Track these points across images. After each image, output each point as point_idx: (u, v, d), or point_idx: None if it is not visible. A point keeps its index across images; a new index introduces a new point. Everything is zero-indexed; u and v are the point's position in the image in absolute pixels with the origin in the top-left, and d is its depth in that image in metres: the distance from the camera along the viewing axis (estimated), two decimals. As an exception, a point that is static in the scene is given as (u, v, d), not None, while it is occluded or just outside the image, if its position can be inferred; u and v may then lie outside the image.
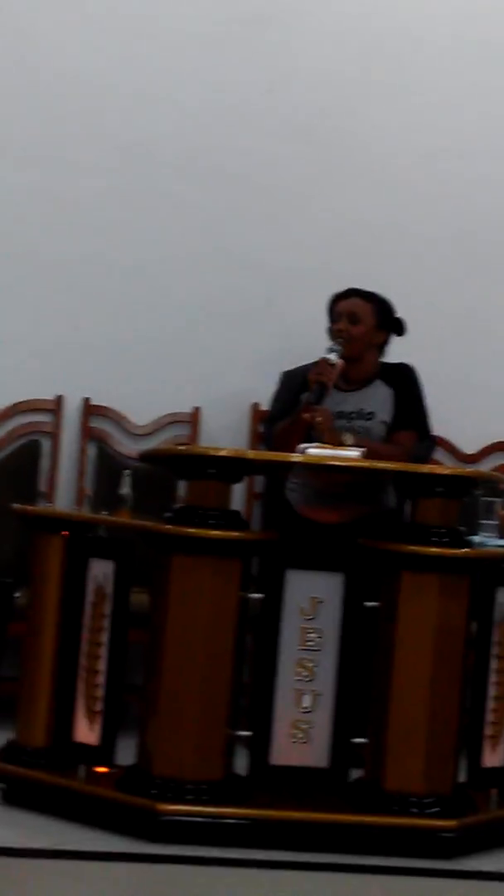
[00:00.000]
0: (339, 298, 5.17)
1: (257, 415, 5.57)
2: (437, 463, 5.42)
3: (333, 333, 4.65)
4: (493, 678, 4.15)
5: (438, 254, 5.79)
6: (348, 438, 4.40)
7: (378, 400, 4.70)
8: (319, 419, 4.44)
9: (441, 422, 5.15)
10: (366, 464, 4.17)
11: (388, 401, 4.70)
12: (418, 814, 3.90)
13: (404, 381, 4.74)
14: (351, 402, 4.59)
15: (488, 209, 5.80)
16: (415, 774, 3.93)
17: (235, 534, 3.95)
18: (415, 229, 5.77)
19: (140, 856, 3.69)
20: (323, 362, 4.51)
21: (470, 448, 5.73)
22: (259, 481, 5.44)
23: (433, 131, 5.80)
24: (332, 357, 4.52)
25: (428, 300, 5.65)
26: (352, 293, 4.93)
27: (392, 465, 4.30)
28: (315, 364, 4.58)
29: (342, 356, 4.56)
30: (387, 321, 4.74)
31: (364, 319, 4.69)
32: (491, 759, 4.15)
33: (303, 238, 5.71)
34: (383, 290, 4.94)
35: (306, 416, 4.46)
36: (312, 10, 5.76)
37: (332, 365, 4.50)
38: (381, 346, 4.78)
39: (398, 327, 4.81)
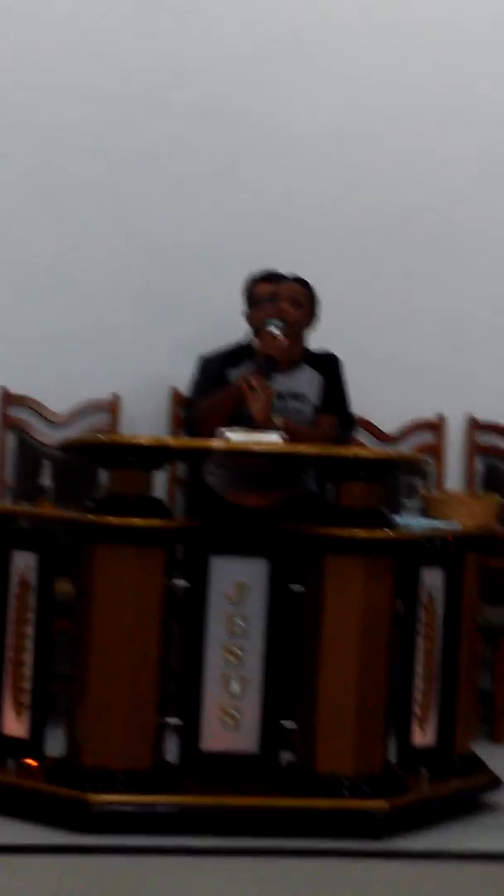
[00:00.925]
0: (259, 281, 5.17)
1: (177, 399, 5.55)
2: (359, 444, 5.44)
3: (275, 313, 4.63)
4: (419, 657, 4.18)
5: (356, 235, 5.80)
6: (278, 420, 4.40)
7: (308, 383, 4.72)
8: (257, 389, 4.42)
9: (362, 402, 5.17)
10: (288, 448, 4.17)
11: (317, 385, 4.72)
12: (349, 795, 3.92)
13: (332, 368, 4.78)
14: (282, 382, 4.59)
15: (406, 190, 5.82)
16: (345, 756, 3.95)
17: (158, 522, 3.93)
18: (333, 211, 5.78)
19: (72, 847, 3.67)
20: (269, 335, 4.50)
21: (391, 428, 5.75)
22: (182, 466, 5.43)
23: (346, 112, 5.80)
24: (276, 331, 4.51)
25: (346, 281, 5.65)
26: (276, 277, 4.93)
27: (314, 450, 4.31)
28: (249, 348, 4.59)
29: (285, 335, 4.56)
30: (316, 308, 4.76)
31: (303, 304, 4.71)
32: (420, 738, 4.17)
33: (218, 221, 5.69)
34: (304, 273, 4.93)
35: (244, 384, 4.44)
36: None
37: (278, 339, 4.50)
38: (307, 333, 4.80)
39: (317, 317, 4.83)
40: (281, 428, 4.32)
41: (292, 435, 4.25)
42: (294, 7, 5.76)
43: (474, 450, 5.83)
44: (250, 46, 5.72)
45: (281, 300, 4.67)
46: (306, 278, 4.83)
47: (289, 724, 4.02)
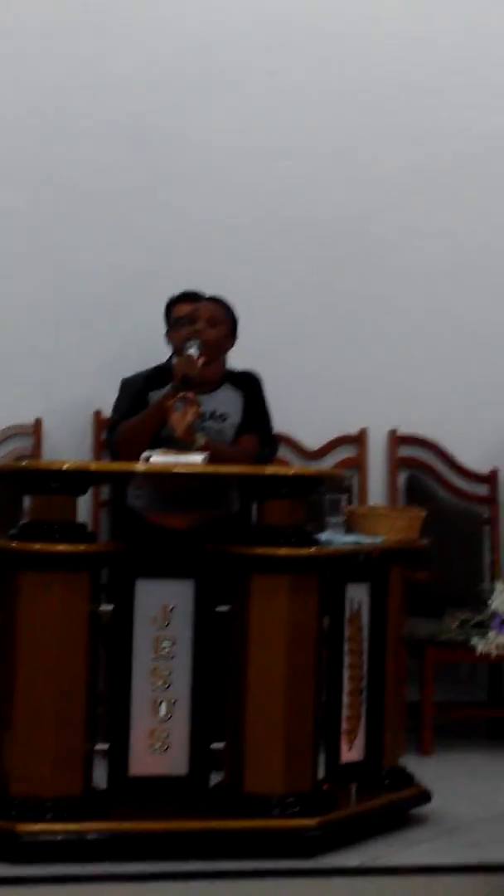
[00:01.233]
0: (178, 301, 5.17)
1: (100, 423, 5.54)
2: (282, 461, 5.45)
3: (192, 334, 4.64)
4: (346, 673, 4.19)
5: (277, 251, 5.83)
6: (200, 439, 4.40)
7: (229, 403, 4.72)
8: (182, 406, 4.42)
9: (284, 419, 5.19)
10: (210, 469, 4.17)
11: (238, 404, 4.72)
12: (279, 814, 3.92)
13: (251, 386, 4.77)
14: (205, 404, 4.60)
15: (325, 205, 5.85)
16: (274, 775, 3.94)
17: (82, 547, 3.91)
18: (253, 228, 5.80)
19: (2, 879, 3.64)
20: (186, 356, 4.51)
21: (314, 444, 5.77)
22: (106, 489, 5.41)
23: (267, 130, 5.83)
24: (193, 352, 4.52)
25: (269, 298, 5.68)
26: (194, 297, 4.94)
27: (237, 469, 4.31)
28: (167, 365, 4.59)
29: (202, 356, 4.56)
30: (235, 328, 4.77)
31: (221, 323, 4.70)
32: (349, 754, 4.19)
33: (139, 242, 5.69)
34: (226, 291, 4.94)
35: (168, 403, 4.44)
36: (134, 11, 5.73)
37: (195, 359, 4.50)
38: (227, 352, 4.80)
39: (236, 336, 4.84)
40: (203, 447, 4.32)
41: (215, 454, 4.26)
42: (207, 26, 5.78)
43: (397, 463, 5.87)
44: (164, 66, 5.74)
45: (198, 320, 4.67)
46: (224, 297, 4.83)
47: (218, 744, 4.02)
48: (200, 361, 4.49)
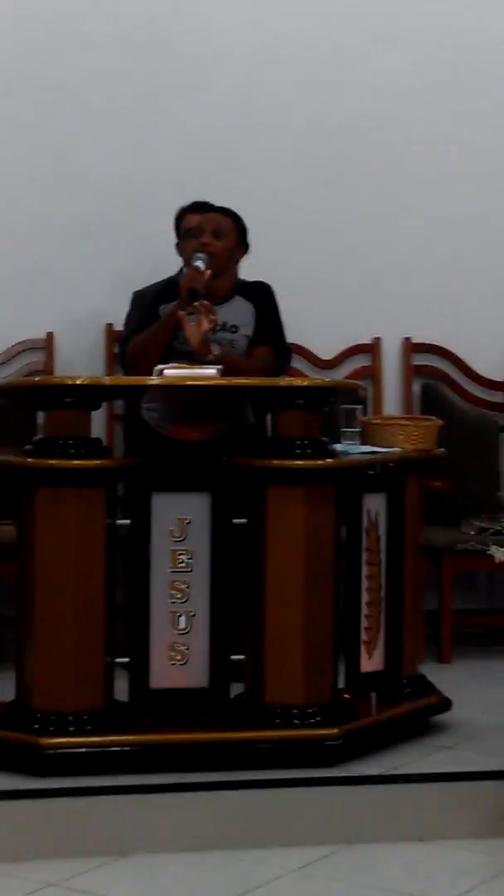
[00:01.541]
0: (188, 211, 5.11)
1: (112, 336, 5.50)
2: (295, 372, 5.42)
3: (198, 246, 4.59)
4: (365, 583, 4.19)
5: (287, 159, 5.73)
6: (215, 348, 4.37)
7: (240, 314, 4.68)
8: (191, 325, 4.39)
9: (297, 329, 5.14)
10: (224, 381, 4.14)
11: (249, 315, 4.68)
12: (300, 724, 3.93)
13: (263, 297, 4.73)
14: (229, 314, 4.56)
15: (335, 111, 5.74)
16: (294, 686, 3.95)
17: (97, 462, 3.90)
18: (263, 137, 5.71)
19: (26, 792, 3.66)
20: (192, 269, 4.46)
21: (327, 354, 5.73)
22: (119, 403, 5.38)
23: (276, 36, 5.71)
24: (200, 264, 4.47)
25: (278, 207, 5.60)
26: (204, 207, 4.88)
27: (251, 381, 4.28)
28: (177, 278, 4.55)
29: (209, 268, 4.51)
30: (244, 238, 4.71)
31: (228, 234, 4.65)
32: (368, 664, 4.20)
33: (148, 151, 5.61)
34: (235, 200, 4.88)
35: (180, 314, 4.40)
36: None
37: (201, 272, 4.45)
38: (238, 262, 4.75)
39: (248, 247, 4.77)
40: (218, 358, 4.29)
41: (229, 366, 4.23)
42: None
43: (411, 372, 5.83)
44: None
45: (204, 232, 4.62)
46: (231, 207, 4.77)
47: (237, 657, 4.03)
48: (207, 274, 4.45)
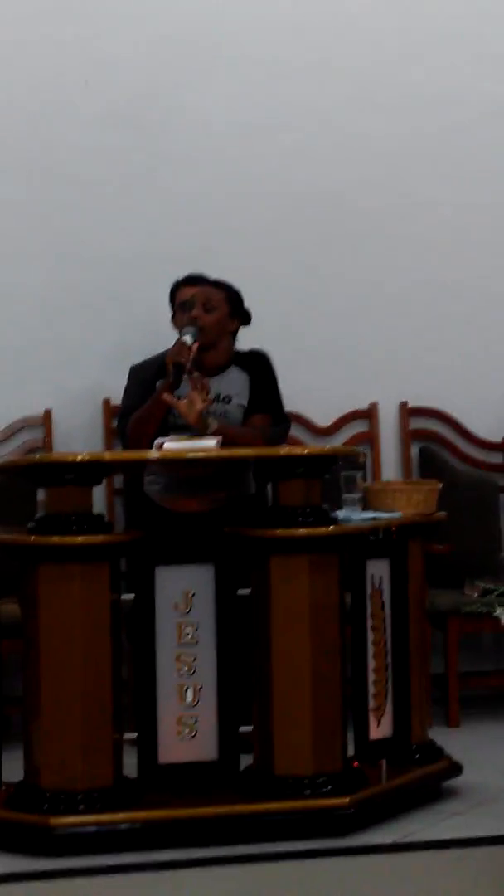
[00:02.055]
0: (182, 285, 5.15)
1: (110, 411, 5.52)
2: (294, 440, 5.43)
3: (188, 320, 4.63)
4: (371, 650, 4.18)
5: (281, 229, 5.79)
6: (213, 423, 4.40)
7: (235, 384, 4.70)
8: (184, 401, 4.42)
9: (293, 396, 5.16)
10: (225, 452, 4.16)
11: (244, 385, 4.70)
12: (311, 795, 3.91)
13: (259, 366, 4.75)
14: (222, 385, 4.58)
15: (329, 179, 5.81)
16: (303, 756, 3.94)
17: (100, 538, 3.90)
18: (255, 207, 5.75)
19: (37, 874, 3.63)
20: (179, 344, 4.50)
21: (325, 421, 5.75)
22: (118, 477, 5.39)
23: (263, 107, 5.78)
24: (188, 339, 4.51)
25: (273, 275, 5.65)
26: (198, 280, 4.92)
27: (251, 451, 4.30)
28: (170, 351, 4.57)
29: (198, 342, 4.54)
30: (238, 309, 4.75)
31: (219, 307, 4.69)
32: (377, 730, 4.18)
33: (142, 226, 5.65)
34: (228, 273, 4.92)
35: (166, 397, 4.44)
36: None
37: (189, 347, 4.49)
38: (233, 334, 4.78)
39: (246, 317, 4.80)
40: (216, 431, 4.31)
41: (227, 437, 4.24)
42: (200, 3, 5.73)
43: (409, 435, 5.85)
44: (159, 47, 5.70)
45: (195, 306, 4.67)
46: (225, 278, 4.81)
47: (246, 728, 4.01)
48: (195, 348, 4.48)
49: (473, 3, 5.94)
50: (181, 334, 4.54)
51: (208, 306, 4.66)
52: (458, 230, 5.93)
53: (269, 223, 5.78)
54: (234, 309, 4.73)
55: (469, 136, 5.94)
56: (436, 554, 4.91)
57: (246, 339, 4.89)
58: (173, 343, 4.60)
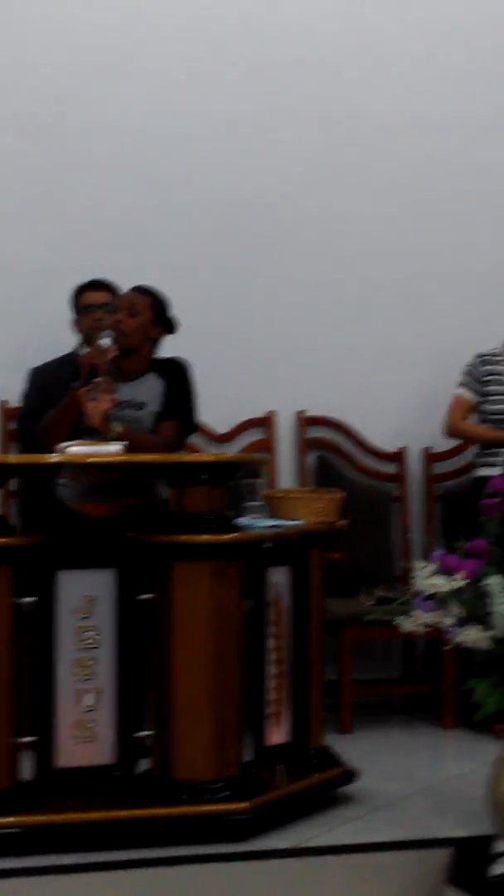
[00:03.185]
0: (86, 289, 5.15)
1: (8, 413, 5.48)
2: (192, 447, 5.44)
3: (112, 323, 4.62)
4: (270, 656, 4.21)
5: (183, 236, 5.80)
6: (117, 426, 4.39)
7: (150, 391, 4.70)
8: (92, 403, 4.41)
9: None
10: (126, 458, 4.15)
11: (160, 392, 4.70)
12: (209, 799, 3.92)
13: (176, 373, 4.75)
14: (124, 392, 4.58)
15: (231, 189, 5.84)
16: (202, 760, 3.95)
17: (3, 540, 3.87)
18: (162, 216, 5.77)
19: None
20: (96, 347, 4.49)
21: (222, 427, 5.77)
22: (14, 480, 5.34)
23: (173, 115, 5.80)
24: (104, 342, 4.50)
25: (174, 282, 5.60)
26: (102, 284, 4.93)
27: (154, 457, 4.29)
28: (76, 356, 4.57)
29: (119, 346, 4.54)
30: (161, 317, 4.75)
31: (142, 312, 4.68)
32: (275, 736, 4.21)
33: (43, 231, 5.63)
34: (129, 280, 4.92)
35: (80, 394, 4.42)
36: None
37: (105, 350, 4.48)
38: (155, 341, 4.78)
39: (169, 325, 4.80)
40: (121, 435, 4.30)
41: (132, 442, 4.24)
42: (112, 11, 5.73)
43: (305, 444, 5.90)
44: (68, 54, 5.69)
45: (118, 310, 4.66)
46: (120, 284, 4.81)
47: (145, 732, 4.01)
48: (112, 352, 4.48)
49: (383, 21, 6.02)
50: (100, 336, 4.53)
51: (132, 311, 4.66)
52: (361, 241, 6.00)
53: (173, 232, 5.79)
54: (157, 316, 4.73)
55: (379, 147, 6.02)
56: (331, 562, 4.94)
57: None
58: (81, 344, 4.59)
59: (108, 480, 4.33)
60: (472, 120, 6.04)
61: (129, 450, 4.15)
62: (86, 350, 4.62)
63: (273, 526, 4.24)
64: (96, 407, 4.39)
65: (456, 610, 3.84)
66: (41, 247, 5.60)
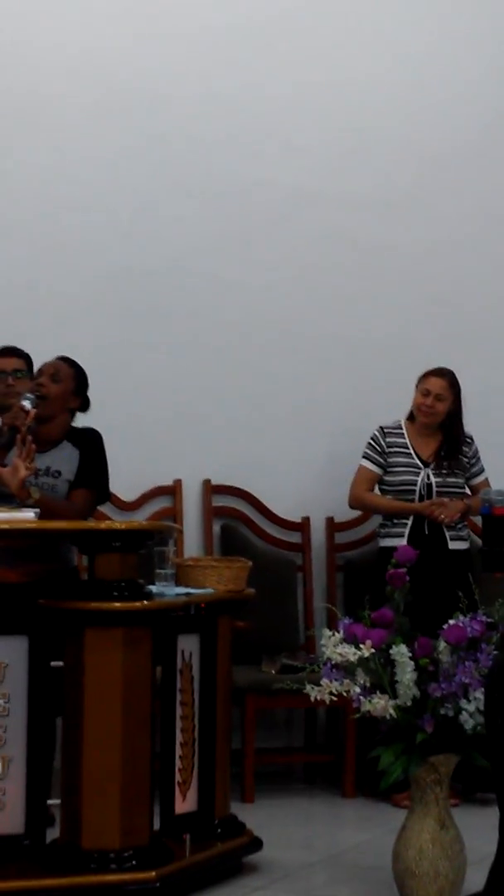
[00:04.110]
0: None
1: None
2: (100, 514, 5.45)
3: (34, 387, 4.64)
4: (179, 724, 4.23)
5: (86, 304, 5.85)
6: (35, 492, 4.41)
7: (66, 460, 4.72)
8: (9, 469, 4.43)
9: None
10: (40, 525, 4.17)
11: (74, 461, 4.72)
12: (117, 869, 3.92)
13: (89, 443, 4.78)
14: (40, 460, 4.60)
15: (133, 257, 5.91)
16: (110, 829, 3.95)
17: None
18: (63, 281, 5.81)
19: None
20: (17, 408, 4.51)
21: (130, 495, 5.80)
22: None
23: (79, 185, 5.85)
24: (27, 404, 4.52)
25: (78, 350, 5.63)
26: (14, 351, 4.97)
27: (66, 525, 4.32)
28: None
29: (39, 412, 4.56)
30: (82, 389, 4.79)
31: (65, 380, 4.72)
32: (182, 805, 4.22)
33: None
34: (36, 345, 4.97)
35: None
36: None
37: (27, 411, 4.50)
38: (72, 412, 4.81)
39: (86, 402, 4.84)
40: (37, 502, 4.32)
41: (47, 509, 4.26)
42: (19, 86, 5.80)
43: (211, 512, 5.95)
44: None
45: (42, 374, 4.70)
46: (29, 351, 4.85)
47: (53, 801, 4.00)
48: (31, 415, 4.50)
49: (281, 93, 6.16)
50: (21, 398, 4.55)
51: (56, 377, 4.70)
52: (261, 310, 6.09)
53: (77, 299, 5.83)
54: (78, 387, 4.78)
55: (275, 220, 6.13)
56: (235, 630, 4.98)
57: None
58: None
59: (18, 546, 4.31)
60: (363, 196, 6.20)
61: (43, 516, 4.17)
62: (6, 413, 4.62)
63: (185, 594, 4.28)
64: (14, 473, 4.41)
65: (362, 679, 3.91)
66: None
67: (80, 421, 4.88)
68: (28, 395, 4.58)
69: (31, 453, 4.41)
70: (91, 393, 5.55)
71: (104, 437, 5.14)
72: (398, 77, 6.34)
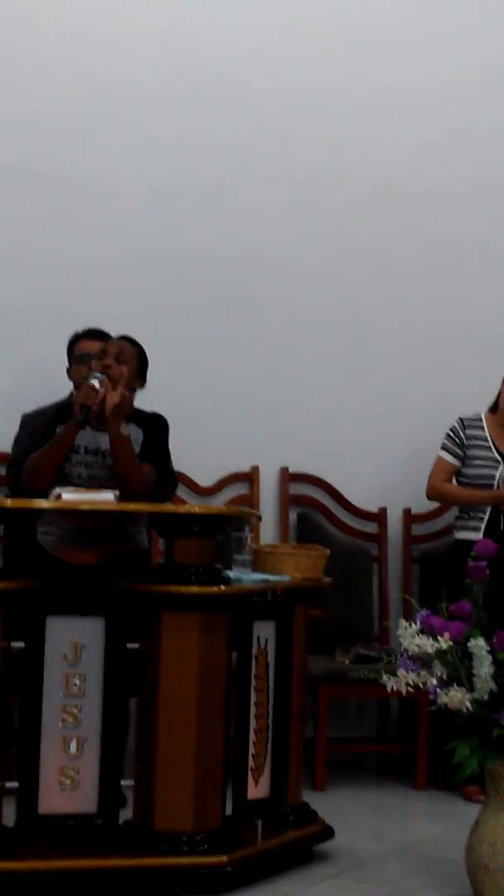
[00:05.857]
0: (81, 337, 5.19)
1: (-1, 459, 5.51)
2: (177, 499, 5.46)
3: (98, 367, 4.66)
4: (253, 710, 4.23)
5: (169, 290, 5.86)
6: (125, 428, 4.42)
7: (130, 439, 4.72)
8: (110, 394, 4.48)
9: (177, 456, 5.17)
10: (119, 506, 4.18)
11: (137, 442, 4.72)
12: (189, 851, 3.93)
13: (155, 427, 4.79)
14: (104, 439, 4.61)
15: (218, 245, 5.91)
16: (183, 812, 3.96)
17: (-3, 584, 3.90)
18: (145, 267, 5.83)
19: None
20: (87, 387, 4.53)
21: (207, 481, 5.81)
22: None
23: (157, 170, 5.87)
24: (95, 383, 4.54)
25: (160, 336, 5.67)
26: (98, 334, 4.97)
27: (148, 507, 4.33)
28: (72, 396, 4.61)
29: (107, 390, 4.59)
30: (143, 370, 4.80)
31: (130, 361, 4.74)
32: (255, 790, 4.22)
33: (32, 280, 5.67)
34: (117, 330, 4.98)
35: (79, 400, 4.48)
36: (25, 51, 5.73)
37: (96, 390, 4.52)
38: (134, 392, 4.82)
39: (144, 382, 4.86)
40: (124, 439, 4.35)
41: (126, 457, 4.30)
42: (95, 67, 5.81)
43: (287, 500, 5.94)
44: (53, 105, 5.76)
45: (106, 356, 4.71)
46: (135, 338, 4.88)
47: (127, 782, 4.02)
48: (101, 394, 4.52)
49: (362, 83, 6.12)
50: (90, 378, 4.58)
51: (121, 358, 4.71)
52: (338, 300, 6.07)
53: (156, 284, 5.85)
54: (141, 368, 4.79)
55: (353, 211, 6.10)
56: (310, 619, 4.97)
57: (138, 399, 4.93)
58: (72, 392, 4.61)
59: (91, 527, 4.33)
60: (447, 191, 6.16)
61: (115, 469, 4.15)
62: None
63: (262, 580, 4.27)
64: (109, 399, 4.44)
65: (439, 671, 3.89)
66: (28, 295, 5.63)
67: (166, 396, 4.84)
68: (97, 374, 4.59)
69: (124, 380, 4.46)
70: (171, 378, 5.63)
71: (183, 421, 5.17)
72: (488, 73, 6.26)
